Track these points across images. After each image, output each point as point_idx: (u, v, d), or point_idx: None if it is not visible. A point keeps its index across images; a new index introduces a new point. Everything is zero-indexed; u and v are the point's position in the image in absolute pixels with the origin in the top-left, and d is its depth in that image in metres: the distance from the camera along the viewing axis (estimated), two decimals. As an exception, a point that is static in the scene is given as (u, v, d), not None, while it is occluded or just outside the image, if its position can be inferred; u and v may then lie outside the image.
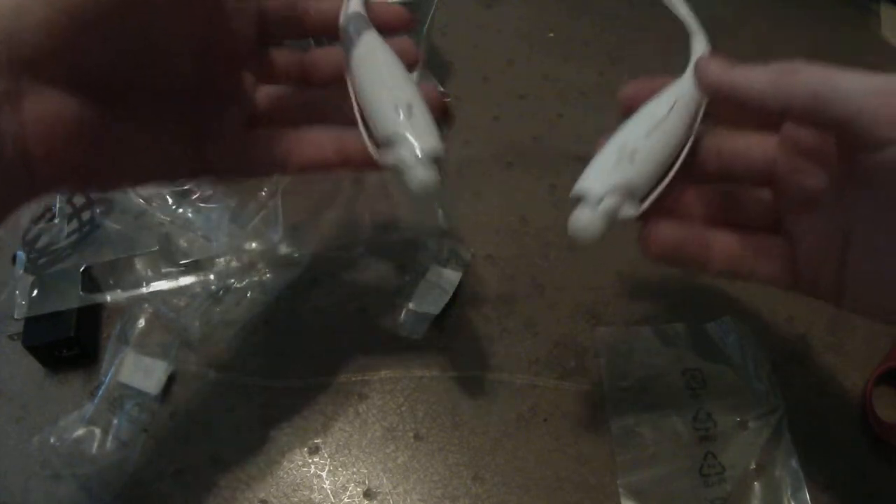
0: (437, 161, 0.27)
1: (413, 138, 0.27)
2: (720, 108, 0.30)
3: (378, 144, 0.28)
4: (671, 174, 0.29)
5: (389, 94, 0.28)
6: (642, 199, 0.28)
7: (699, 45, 0.32)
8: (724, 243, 0.30)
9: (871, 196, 0.25)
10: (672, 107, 0.29)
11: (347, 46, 0.30)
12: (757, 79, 0.26)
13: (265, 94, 0.32)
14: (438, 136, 0.28)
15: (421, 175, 0.26)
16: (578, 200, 0.27)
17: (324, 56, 0.32)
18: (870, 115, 0.23)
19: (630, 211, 0.28)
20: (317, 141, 0.31)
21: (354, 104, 0.29)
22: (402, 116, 0.27)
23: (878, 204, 0.25)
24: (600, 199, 0.27)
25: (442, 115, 0.30)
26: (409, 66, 0.31)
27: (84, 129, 0.25)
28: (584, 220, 0.27)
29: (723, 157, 0.31)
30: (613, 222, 0.27)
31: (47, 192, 0.25)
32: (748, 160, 0.30)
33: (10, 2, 0.22)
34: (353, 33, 0.30)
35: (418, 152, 0.27)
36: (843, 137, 0.25)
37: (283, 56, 0.32)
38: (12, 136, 0.23)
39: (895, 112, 0.23)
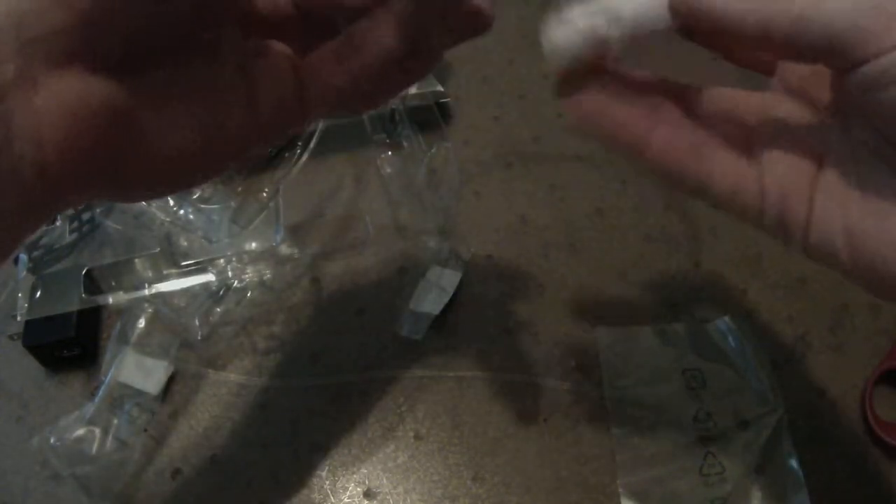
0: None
1: None
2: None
3: None
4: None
5: None
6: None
7: None
8: (673, 132, 0.26)
9: (850, 122, 0.23)
10: None
11: None
12: (734, 2, 0.22)
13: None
14: None
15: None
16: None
17: None
18: (857, 30, 0.20)
19: (614, 32, 0.23)
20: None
21: None
22: None
23: (856, 130, 0.23)
24: (573, 13, 0.23)
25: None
26: (481, 26, 0.24)
27: (113, 114, 0.20)
28: (557, 33, 0.23)
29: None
30: (596, 44, 0.23)
31: (65, 204, 0.20)
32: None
33: None
34: None
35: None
36: (832, 62, 0.22)
37: None
38: (27, 129, 0.18)
39: (885, 21, 0.20)
